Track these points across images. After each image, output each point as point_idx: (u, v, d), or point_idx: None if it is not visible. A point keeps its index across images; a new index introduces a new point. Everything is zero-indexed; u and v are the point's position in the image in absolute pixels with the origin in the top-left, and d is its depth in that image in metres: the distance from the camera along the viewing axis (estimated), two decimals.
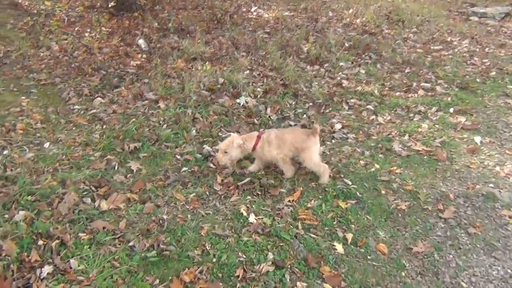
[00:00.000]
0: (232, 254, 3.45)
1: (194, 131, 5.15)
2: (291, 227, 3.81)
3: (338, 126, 5.73)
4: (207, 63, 7.06)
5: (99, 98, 5.75)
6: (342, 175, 4.64)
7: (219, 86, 6.27)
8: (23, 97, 5.77)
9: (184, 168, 4.50)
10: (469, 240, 3.85)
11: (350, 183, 4.52)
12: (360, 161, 4.98)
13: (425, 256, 3.66)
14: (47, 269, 3.03)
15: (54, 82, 6.22)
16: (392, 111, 6.26)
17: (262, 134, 4.39)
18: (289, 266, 3.40)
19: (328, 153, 5.12)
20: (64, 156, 4.44)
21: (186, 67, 6.98)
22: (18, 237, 3.22)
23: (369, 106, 6.32)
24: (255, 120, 5.57)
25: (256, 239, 3.62)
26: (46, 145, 4.64)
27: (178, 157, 4.67)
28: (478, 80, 7.37)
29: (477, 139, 5.48)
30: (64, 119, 5.27)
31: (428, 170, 4.87)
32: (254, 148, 4.37)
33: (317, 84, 6.91)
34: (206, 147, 4.83)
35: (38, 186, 3.84)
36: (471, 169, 4.88)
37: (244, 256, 3.45)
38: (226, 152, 4.27)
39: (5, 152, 4.32)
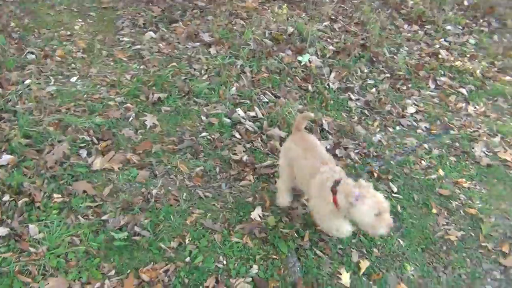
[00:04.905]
0: (211, 256, 2.88)
1: (234, 88, 4.47)
2: (296, 236, 3.11)
3: (411, 110, 4.68)
4: (285, 5, 6.19)
5: (151, 32, 5.26)
6: (390, 177, 3.75)
7: (286, 37, 5.42)
8: (79, 19, 5.48)
9: (204, 134, 3.88)
10: None
11: (395, 189, 3.63)
12: (422, 162, 4.01)
13: None
14: (1, 231, 2.75)
15: (115, 7, 5.84)
16: (490, 101, 5.02)
17: None
18: None
19: (384, 142, 4.18)
20: (84, 96, 4.08)
21: (261, 8, 6.18)
22: None
23: (462, 90, 5.12)
24: (309, 86, 4.70)
25: (246, 243, 3.00)
26: (73, 79, 4.31)
27: (204, 118, 4.04)
28: None
29: None
30: (107, 51, 4.88)
31: (509, 191, 3.79)
32: None
33: (407, 50, 5.73)
34: (239, 112, 4.15)
35: (38, 128, 3.54)
36: None
37: (224, 263, 2.86)
38: None
39: (27, 81, 4.05)
